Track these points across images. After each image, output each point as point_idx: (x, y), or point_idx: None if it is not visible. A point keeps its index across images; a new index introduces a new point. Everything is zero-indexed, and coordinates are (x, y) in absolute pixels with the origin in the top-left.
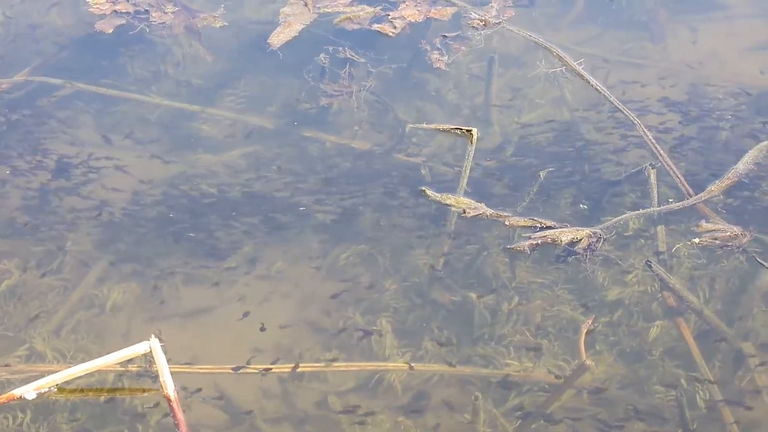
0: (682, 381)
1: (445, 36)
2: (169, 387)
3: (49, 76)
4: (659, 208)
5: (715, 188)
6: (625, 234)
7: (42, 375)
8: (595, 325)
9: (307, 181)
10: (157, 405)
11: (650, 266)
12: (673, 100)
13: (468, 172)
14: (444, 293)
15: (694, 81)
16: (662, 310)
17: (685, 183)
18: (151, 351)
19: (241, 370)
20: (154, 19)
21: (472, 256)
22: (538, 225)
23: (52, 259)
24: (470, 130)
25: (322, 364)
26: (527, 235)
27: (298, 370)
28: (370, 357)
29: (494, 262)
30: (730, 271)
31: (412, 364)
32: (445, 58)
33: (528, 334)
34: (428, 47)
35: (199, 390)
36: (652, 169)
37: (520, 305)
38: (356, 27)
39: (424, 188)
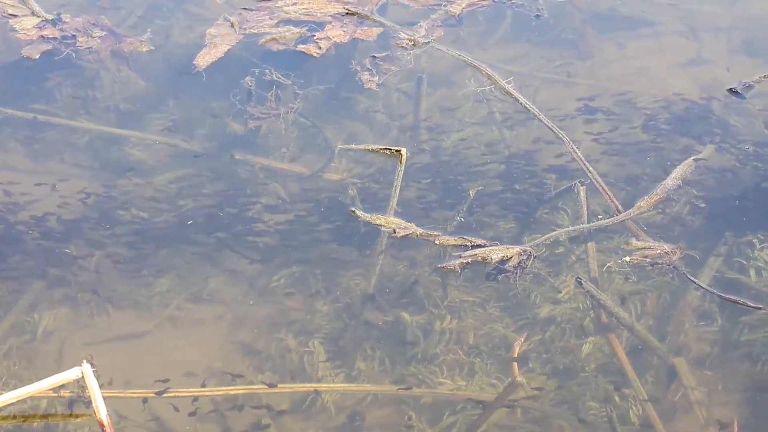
0: (615, 397)
1: (375, 56)
2: (102, 412)
3: None
4: (589, 225)
5: (644, 204)
6: (556, 251)
7: None
8: (527, 342)
9: (236, 204)
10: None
11: (581, 283)
12: (602, 117)
13: (398, 192)
14: (376, 313)
15: (623, 97)
16: (594, 327)
17: (614, 199)
18: (83, 376)
19: (164, 394)
20: (81, 44)
21: (404, 276)
22: (469, 243)
23: None
24: (399, 150)
25: (256, 386)
26: (458, 254)
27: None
28: (302, 378)
29: (425, 282)
30: (661, 288)
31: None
32: (376, 78)
33: (461, 352)
34: (359, 68)
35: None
36: (582, 186)
37: (452, 324)
38: (282, 48)
39: (353, 209)
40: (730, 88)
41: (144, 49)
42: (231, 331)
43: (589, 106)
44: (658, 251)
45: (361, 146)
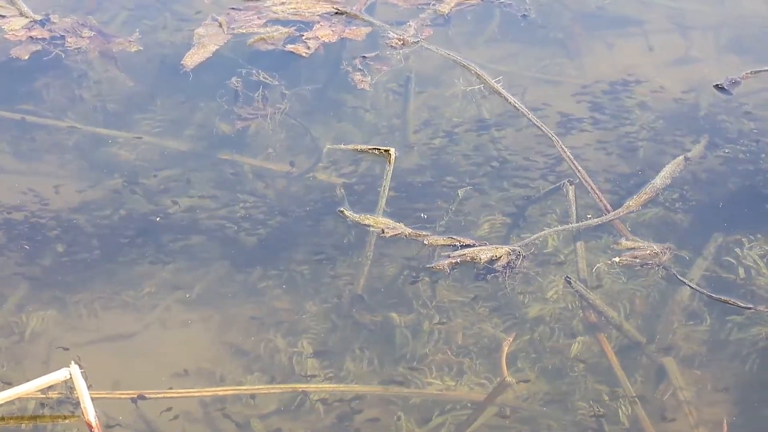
0: (605, 396)
1: (365, 56)
2: (90, 413)
3: None
4: (578, 225)
5: (632, 203)
6: (545, 251)
7: None
8: (516, 342)
9: (225, 204)
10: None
11: (570, 283)
12: (591, 116)
13: (386, 192)
14: (365, 314)
15: (611, 96)
16: (583, 327)
17: (603, 199)
18: (71, 377)
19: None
20: (70, 45)
21: (392, 276)
22: (458, 243)
23: None
24: (388, 150)
25: (244, 387)
26: (447, 254)
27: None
28: (291, 378)
29: (414, 282)
30: (651, 287)
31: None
32: (368, 78)
33: (449, 352)
34: (350, 68)
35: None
36: (571, 185)
37: (440, 324)
38: (270, 48)
39: (342, 209)
40: (717, 85)
41: (132, 49)
42: (219, 331)
43: (578, 105)
44: (648, 251)
45: (350, 146)
